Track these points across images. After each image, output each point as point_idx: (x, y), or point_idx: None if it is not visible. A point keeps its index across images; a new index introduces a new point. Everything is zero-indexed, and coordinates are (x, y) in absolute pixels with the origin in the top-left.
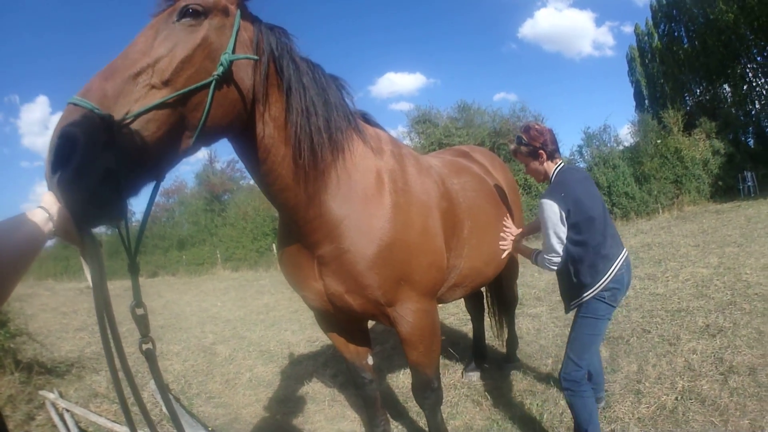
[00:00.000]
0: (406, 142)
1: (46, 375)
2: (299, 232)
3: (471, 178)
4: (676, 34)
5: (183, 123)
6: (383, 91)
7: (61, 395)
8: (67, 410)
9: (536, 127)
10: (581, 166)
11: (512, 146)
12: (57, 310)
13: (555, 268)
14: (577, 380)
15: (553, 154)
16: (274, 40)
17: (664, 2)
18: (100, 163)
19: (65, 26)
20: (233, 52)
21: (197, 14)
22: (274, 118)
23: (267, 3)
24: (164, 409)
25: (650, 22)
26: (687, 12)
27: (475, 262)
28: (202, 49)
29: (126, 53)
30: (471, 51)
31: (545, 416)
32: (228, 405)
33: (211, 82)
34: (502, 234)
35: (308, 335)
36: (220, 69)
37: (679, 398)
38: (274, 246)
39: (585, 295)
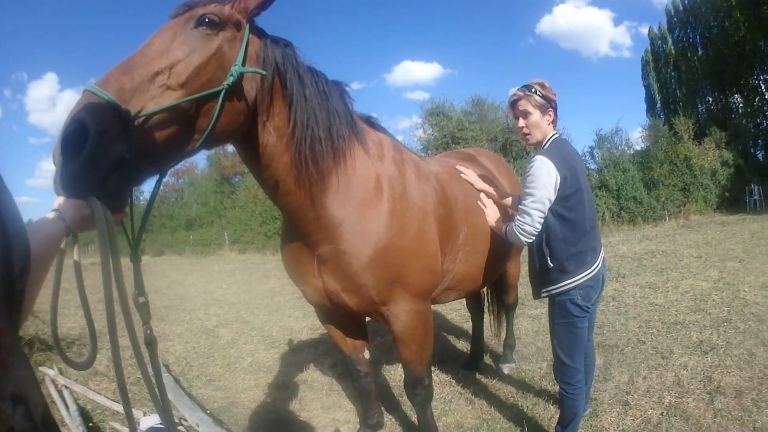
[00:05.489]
0: (420, 133)
1: (47, 352)
2: (300, 232)
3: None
4: (690, 40)
5: (192, 126)
6: (399, 79)
7: (60, 372)
8: (66, 387)
9: (549, 86)
10: (591, 167)
11: (517, 92)
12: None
13: (527, 239)
14: (572, 383)
15: (556, 120)
16: (279, 53)
17: (680, 8)
18: (114, 151)
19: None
20: (242, 64)
21: (214, 24)
22: (277, 128)
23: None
24: (156, 392)
25: (663, 27)
26: (702, 20)
27: (469, 268)
28: (216, 59)
29: (144, 51)
30: (489, 44)
31: (534, 420)
32: (227, 388)
33: (221, 90)
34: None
35: (311, 323)
36: (231, 79)
37: (664, 414)
38: None
39: (562, 284)
